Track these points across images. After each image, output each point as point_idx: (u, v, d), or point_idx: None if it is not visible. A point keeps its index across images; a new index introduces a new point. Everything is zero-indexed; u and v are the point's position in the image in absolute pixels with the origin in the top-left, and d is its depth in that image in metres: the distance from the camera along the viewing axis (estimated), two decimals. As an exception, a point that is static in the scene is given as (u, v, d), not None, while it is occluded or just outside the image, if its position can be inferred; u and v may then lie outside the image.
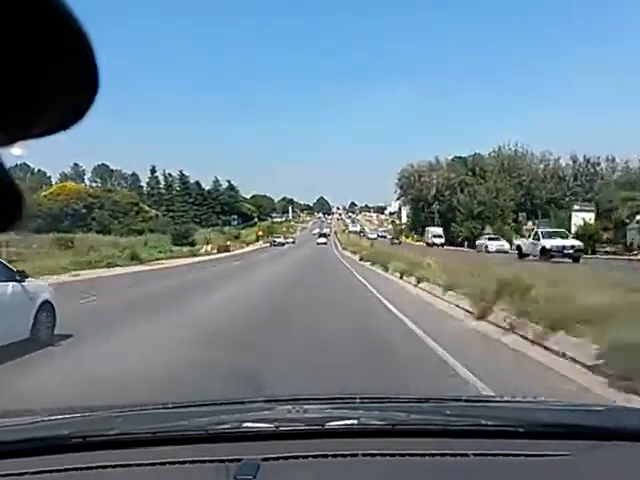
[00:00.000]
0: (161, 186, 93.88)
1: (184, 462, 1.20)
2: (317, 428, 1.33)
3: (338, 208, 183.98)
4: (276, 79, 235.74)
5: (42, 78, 0.41)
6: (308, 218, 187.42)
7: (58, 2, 0.39)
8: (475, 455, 1.20)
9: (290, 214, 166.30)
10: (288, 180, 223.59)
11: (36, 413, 1.64)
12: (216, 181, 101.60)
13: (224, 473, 1.12)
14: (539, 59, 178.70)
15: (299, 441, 1.29)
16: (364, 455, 1.20)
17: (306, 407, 1.54)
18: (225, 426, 1.36)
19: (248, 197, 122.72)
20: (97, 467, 1.20)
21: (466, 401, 1.72)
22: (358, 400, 1.68)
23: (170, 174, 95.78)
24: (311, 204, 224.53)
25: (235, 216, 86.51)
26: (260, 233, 74.43)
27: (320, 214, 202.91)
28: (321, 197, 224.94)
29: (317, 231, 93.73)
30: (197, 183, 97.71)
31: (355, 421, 1.37)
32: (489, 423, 1.35)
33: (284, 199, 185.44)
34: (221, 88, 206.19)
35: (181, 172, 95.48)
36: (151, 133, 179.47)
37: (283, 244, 62.94)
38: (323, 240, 67.89)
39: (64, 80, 0.42)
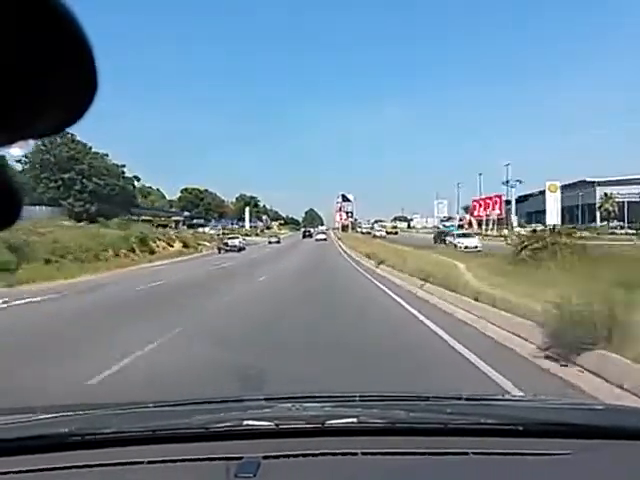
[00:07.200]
0: None
1: (184, 460, 1.20)
2: (317, 426, 1.33)
3: (346, 199, 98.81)
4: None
5: (42, 78, 0.41)
6: (284, 231, 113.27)
7: (57, 3, 0.39)
8: (475, 454, 1.20)
9: (247, 222, 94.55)
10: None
11: (34, 411, 1.65)
12: None
13: (225, 471, 1.13)
14: None
15: (299, 439, 1.30)
16: (364, 453, 1.21)
17: (306, 405, 1.56)
18: (225, 424, 1.36)
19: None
20: (96, 465, 1.20)
21: (466, 399, 1.70)
22: (358, 398, 1.67)
23: None
24: (300, 219, 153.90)
25: None
26: None
27: (308, 228, 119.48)
28: (311, 209, 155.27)
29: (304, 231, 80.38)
30: None
31: (355, 419, 1.37)
32: (489, 421, 1.35)
33: (241, 198, 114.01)
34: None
35: None
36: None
37: (240, 249, 38.23)
38: (323, 237, 66.16)
39: (64, 80, 0.42)
